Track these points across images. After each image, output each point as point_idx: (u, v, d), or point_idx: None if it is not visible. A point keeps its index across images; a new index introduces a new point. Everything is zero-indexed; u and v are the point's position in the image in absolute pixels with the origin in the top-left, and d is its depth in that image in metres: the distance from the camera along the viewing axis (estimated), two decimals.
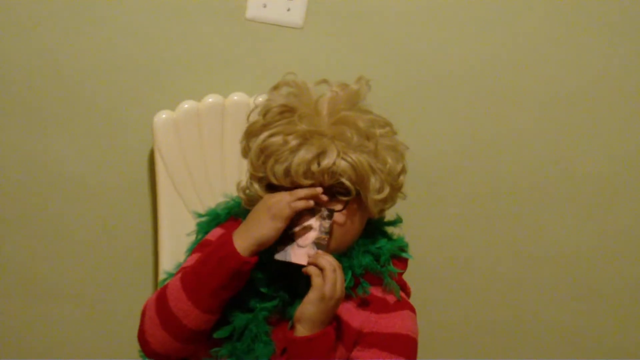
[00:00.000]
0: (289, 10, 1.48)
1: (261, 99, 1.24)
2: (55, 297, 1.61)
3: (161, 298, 1.14)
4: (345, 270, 1.16)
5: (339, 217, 1.16)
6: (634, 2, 1.53)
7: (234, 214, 1.28)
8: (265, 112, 1.18)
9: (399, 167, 1.21)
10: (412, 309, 1.23)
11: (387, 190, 1.19)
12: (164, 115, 1.44)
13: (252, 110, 1.22)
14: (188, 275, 1.13)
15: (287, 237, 1.12)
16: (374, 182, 1.17)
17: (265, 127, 1.17)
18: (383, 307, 1.19)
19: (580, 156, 1.62)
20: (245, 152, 1.22)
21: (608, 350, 1.73)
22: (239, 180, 1.25)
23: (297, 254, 1.13)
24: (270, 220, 1.10)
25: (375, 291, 1.20)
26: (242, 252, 1.09)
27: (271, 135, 1.15)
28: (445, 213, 1.65)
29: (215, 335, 1.16)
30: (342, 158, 1.14)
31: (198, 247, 1.24)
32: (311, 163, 1.13)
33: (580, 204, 1.65)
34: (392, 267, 1.22)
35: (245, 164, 1.23)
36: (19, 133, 1.52)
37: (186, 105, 1.45)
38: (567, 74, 1.57)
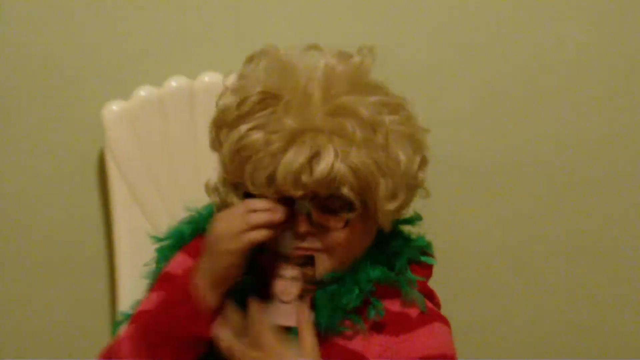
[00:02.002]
0: None
1: (234, 78, 1.11)
2: None
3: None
4: (349, 287, 1.05)
5: (339, 235, 1.05)
6: None
7: (201, 231, 1.16)
8: (241, 100, 1.04)
9: (417, 162, 1.08)
10: (444, 321, 1.11)
11: (402, 196, 1.06)
12: (114, 107, 1.36)
13: (223, 93, 1.08)
14: (139, 335, 1.04)
15: (266, 285, 1.03)
16: (384, 187, 1.04)
17: (241, 119, 1.04)
18: (405, 326, 1.07)
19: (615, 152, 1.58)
20: (215, 146, 1.10)
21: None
22: (208, 180, 1.13)
23: (282, 312, 1.02)
24: (222, 254, 1.00)
25: (393, 306, 1.08)
26: (204, 298, 1.00)
27: (249, 131, 1.02)
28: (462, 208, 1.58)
29: None
30: (342, 161, 1.00)
31: (158, 282, 1.14)
32: (302, 170, 0.99)
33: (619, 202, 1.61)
34: (411, 275, 1.10)
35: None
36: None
37: (143, 92, 1.37)
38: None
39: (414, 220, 1.17)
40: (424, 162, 1.09)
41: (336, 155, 0.99)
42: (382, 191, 1.03)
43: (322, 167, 0.98)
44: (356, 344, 1.05)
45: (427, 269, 1.14)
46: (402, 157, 1.04)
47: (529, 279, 1.66)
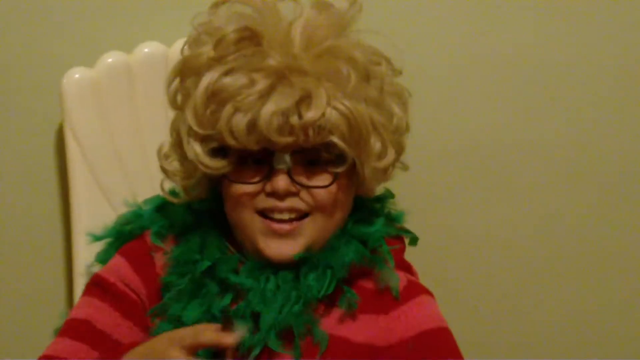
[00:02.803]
0: None
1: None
2: None
3: None
4: (324, 271, 1.00)
5: (325, 194, 0.99)
6: None
7: (139, 231, 1.11)
8: (217, 40, 0.97)
9: (404, 122, 1.04)
10: (428, 292, 1.07)
11: (391, 155, 1.01)
12: (77, 75, 1.26)
13: (188, 41, 1.02)
14: None
15: None
16: (374, 143, 0.99)
17: (216, 61, 0.97)
18: (390, 302, 1.02)
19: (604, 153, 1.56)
20: (179, 101, 1.03)
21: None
22: (161, 146, 1.05)
23: None
24: None
25: (368, 284, 1.04)
26: None
27: (227, 73, 0.95)
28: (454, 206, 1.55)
29: None
30: (334, 107, 0.94)
31: (89, 286, 1.08)
32: (290, 113, 0.93)
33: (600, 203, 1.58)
34: (387, 252, 1.05)
35: None
36: None
37: (110, 59, 1.27)
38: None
39: (385, 197, 1.11)
40: (408, 127, 1.04)
41: (328, 100, 0.93)
42: (372, 146, 0.98)
43: (312, 111, 0.92)
44: (340, 328, 1.00)
45: (401, 241, 1.09)
46: (397, 111, 1.01)
47: (523, 274, 1.59)
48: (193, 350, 0.89)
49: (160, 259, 1.08)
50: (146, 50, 1.27)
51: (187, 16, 1.19)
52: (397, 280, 1.02)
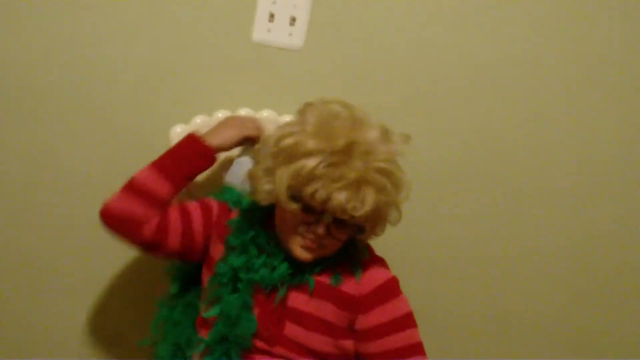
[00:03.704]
0: (290, 35, 1.55)
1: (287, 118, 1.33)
2: (67, 293, 1.69)
3: (127, 181, 1.27)
4: (326, 261, 1.28)
5: (336, 242, 1.26)
6: None
7: (229, 199, 1.37)
8: (327, 145, 1.16)
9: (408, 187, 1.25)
10: (380, 260, 1.33)
11: (385, 228, 1.28)
12: (178, 129, 1.49)
13: (294, 126, 1.20)
14: (157, 160, 1.30)
15: None
16: (382, 225, 1.26)
17: (319, 153, 1.16)
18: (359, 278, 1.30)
19: (581, 156, 1.66)
20: (271, 165, 1.21)
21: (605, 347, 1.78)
22: (252, 171, 1.26)
23: None
24: (229, 128, 1.34)
25: (349, 266, 1.31)
26: (208, 142, 1.30)
27: (328, 166, 1.15)
28: (443, 213, 1.69)
29: (204, 316, 1.29)
30: (374, 208, 1.18)
31: (125, 185, 1.30)
32: (350, 207, 1.16)
33: (576, 203, 1.70)
34: (366, 252, 1.32)
35: None
36: (47, 142, 1.58)
37: (198, 119, 1.51)
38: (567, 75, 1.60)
39: None
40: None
41: (372, 205, 1.16)
42: (381, 227, 1.25)
43: (362, 211, 1.15)
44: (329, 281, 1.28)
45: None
46: (405, 188, 1.22)
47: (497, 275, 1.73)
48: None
49: (225, 221, 1.34)
50: (220, 114, 1.50)
51: (244, 92, 1.52)
52: (360, 272, 1.29)
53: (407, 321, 1.28)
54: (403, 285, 1.32)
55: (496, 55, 1.58)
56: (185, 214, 1.31)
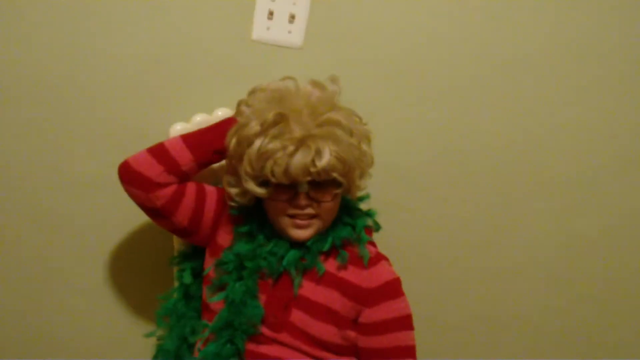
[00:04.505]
0: (290, 32, 1.57)
1: (245, 107, 1.30)
2: (82, 292, 1.70)
3: (156, 146, 1.32)
4: (327, 239, 1.30)
5: (328, 205, 1.27)
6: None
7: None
8: (262, 122, 1.22)
9: (371, 154, 1.31)
10: (385, 258, 1.36)
11: (366, 176, 1.31)
12: (179, 127, 1.50)
13: (241, 117, 1.27)
14: (185, 138, 1.33)
15: None
16: (357, 172, 1.27)
17: (261, 133, 1.22)
18: (368, 263, 1.32)
19: (567, 158, 1.67)
20: (235, 152, 1.27)
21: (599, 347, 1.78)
22: (225, 177, 1.32)
23: None
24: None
25: (352, 252, 1.33)
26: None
27: (269, 141, 1.20)
28: (437, 214, 1.70)
29: (209, 301, 1.30)
30: (334, 156, 1.21)
31: (155, 146, 1.36)
32: (309, 164, 1.20)
33: (561, 204, 1.70)
34: (365, 235, 1.34)
35: None
36: (47, 143, 1.59)
37: (198, 117, 1.52)
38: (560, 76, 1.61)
39: (364, 197, 1.41)
40: (372, 157, 1.32)
41: (330, 153, 1.20)
42: (357, 174, 1.26)
43: (323, 162, 1.19)
44: (342, 272, 1.30)
45: (372, 229, 1.39)
46: (367, 150, 1.28)
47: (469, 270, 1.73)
48: None
49: (227, 213, 1.36)
50: (219, 113, 1.50)
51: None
52: (368, 254, 1.32)
53: (406, 322, 1.31)
54: (403, 285, 1.34)
55: (497, 55, 1.59)
56: (201, 193, 1.34)
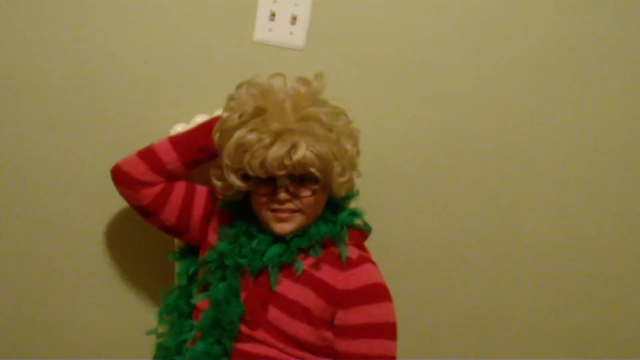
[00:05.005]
0: (291, 33, 1.57)
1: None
2: (83, 291, 1.71)
3: (144, 148, 1.35)
4: (307, 235, 1.30)
5: (308, 200, 1.28)
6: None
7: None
8: (241, 114, 1.24)
9: (355, 152, 1.31)
10: (372, 262, 1.34)
11: (348, 174, 1.30)
12: (180, 128, 1.51)
13: (226, 109, 1.30)
14: (172, 140, 1.36)
15: None
16: (337, 168, 1.27)
17: (240, 125, 1.24)
18: (347, 265, 1.31)
19: (563, 157, 1.66)
20: (219, 145, 1.30)
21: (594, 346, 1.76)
22: (211, 171, 1.33)
23: None
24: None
25: (335, 251, 1.32)
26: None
27: (247, 133, 1.22)
28: (433, 213, 1.69)
29: (192, 301, 1.32)
30: (310, 151, 1.21)
31: (144, 149, 1.39)
32: (284, 157, 1.21)
33: (558, 203, 1.69)
34: (346, 234, 1.33)
35: None
36: (47, 143, 1.60)
37: (199, 118, 1.53)
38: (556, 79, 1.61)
39: (352, 195, 1.40)
40: (358, 153, 1.32)
41: (306, 147, 1.20)
42: (336, 170, 1.26)
43: (297, 155, 1.20)
44: (318, 272, 1.28)
45: (363, 233, 1.37)
46: (349, 147, 1.27)
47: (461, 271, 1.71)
48: None
49: (216, 212, 1.37)
50: (219, 113, 1.39)
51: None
52: (347, 252, 1.30)
53: (385, 330, 1.27)
54: (397, 285, 1.33)
55: (498, 55, 1.59)
56: (190, 193, 1.37)
